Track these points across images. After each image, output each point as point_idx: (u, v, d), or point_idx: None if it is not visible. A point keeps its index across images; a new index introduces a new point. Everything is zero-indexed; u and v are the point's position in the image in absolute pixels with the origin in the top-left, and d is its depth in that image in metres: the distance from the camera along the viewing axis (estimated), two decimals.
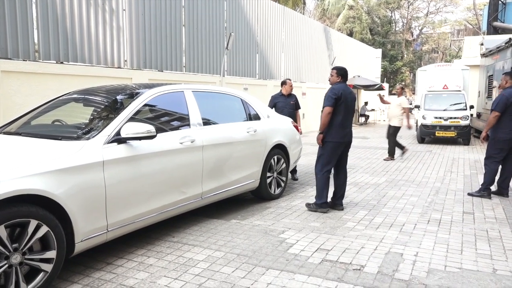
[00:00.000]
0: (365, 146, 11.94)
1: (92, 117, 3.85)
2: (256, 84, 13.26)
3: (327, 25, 28.29)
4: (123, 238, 3.80)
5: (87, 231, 3.13)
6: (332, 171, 5.16)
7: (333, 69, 5.16)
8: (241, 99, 5.39)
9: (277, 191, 5.66)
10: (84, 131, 3.47)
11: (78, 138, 3.33)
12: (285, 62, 15.67)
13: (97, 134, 3.34)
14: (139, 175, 3.56)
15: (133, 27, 8.89)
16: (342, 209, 5.10)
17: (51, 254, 2.86)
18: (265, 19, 14.19)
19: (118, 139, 3.41)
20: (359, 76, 20.13)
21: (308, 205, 5.12)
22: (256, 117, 5.44)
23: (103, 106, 4.08)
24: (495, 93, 12.25)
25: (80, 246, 3.10)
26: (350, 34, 32.44)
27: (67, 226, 2.99)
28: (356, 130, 17.88)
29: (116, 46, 8.52)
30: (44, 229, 2.80)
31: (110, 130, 3.42)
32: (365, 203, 5.43)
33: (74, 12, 7.53)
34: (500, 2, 20.69)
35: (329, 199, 5.13)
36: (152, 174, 3.69)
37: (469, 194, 5.97)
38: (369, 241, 3.97)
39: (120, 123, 3.50)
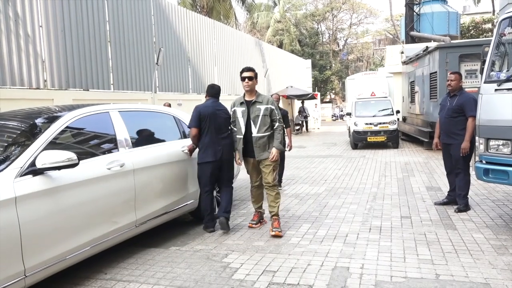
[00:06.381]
0: (302, 156, 12.08)
1: (1, 147, 3.39)
2: (190, 99, 12.96)
3: (257, 37, 28.70)
4: (45, 281, 3.35)
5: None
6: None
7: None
8: (173, 116, 5.12)
9: (218, 210, 5.42)
10: None
11: None
12: (218, 75, 15.53)
13: (6, 167, 2.92)
14: (60, 208, 3.17)
15: (52, 44, 8.25)
16: (213, 228, 4.76)
17: None
18: (196, 33, 13.99)
19: (33, 171, 3.01)
20: (291, 87, 20.55)
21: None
22: None
23: (15, 133, 3.62)
24: (418, 98, 13.02)
25: None
26: (280, 46, 33.22)
27: None
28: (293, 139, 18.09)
29: (34, 65, 7.84)
30: None
31: (22, 161, 3.01)
32: (308, 215, 5.37)
33: None
34: (414, 13, 22.31)
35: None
36: (76, 206, 3.31)
37: (458, 211, 5.26)
38: (314, 257, 3.86)
39: (34, 152, 3.10)
